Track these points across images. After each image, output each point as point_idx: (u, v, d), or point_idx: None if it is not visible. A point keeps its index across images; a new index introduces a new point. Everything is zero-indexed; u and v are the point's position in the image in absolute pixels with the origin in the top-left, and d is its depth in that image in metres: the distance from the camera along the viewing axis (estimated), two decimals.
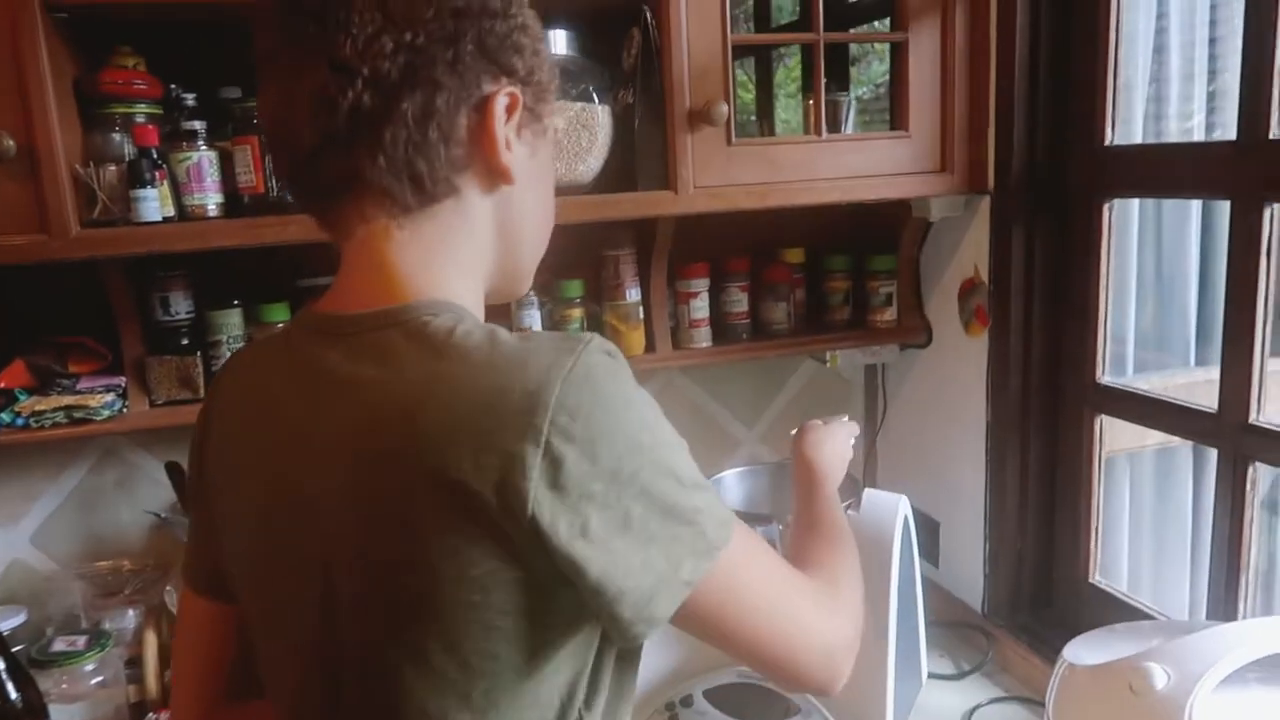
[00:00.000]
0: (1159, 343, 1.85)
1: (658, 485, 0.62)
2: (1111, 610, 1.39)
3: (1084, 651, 0.90)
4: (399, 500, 0.62)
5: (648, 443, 0.62)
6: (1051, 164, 1.38)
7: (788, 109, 1.89)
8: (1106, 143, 1.33)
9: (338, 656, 0.68)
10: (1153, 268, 1.82)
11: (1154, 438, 1.70)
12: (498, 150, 0.68)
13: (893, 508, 1.28)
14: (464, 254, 0.72)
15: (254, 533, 0.72)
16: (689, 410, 1.75)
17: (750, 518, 1.26)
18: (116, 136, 1.21)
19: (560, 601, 0.63)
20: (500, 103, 0.68)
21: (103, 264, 1.25)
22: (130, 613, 1.45)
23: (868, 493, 1.30)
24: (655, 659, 1.34)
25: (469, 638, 0.63)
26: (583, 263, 1.52)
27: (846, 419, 1.22)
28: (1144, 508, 1.86)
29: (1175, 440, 1.69)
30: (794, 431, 1.18)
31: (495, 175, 0.70)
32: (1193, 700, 0.78)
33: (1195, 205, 1.70)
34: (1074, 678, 0.87)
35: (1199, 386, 1.56)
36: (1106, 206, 1.35)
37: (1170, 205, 1.71)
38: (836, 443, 1.16)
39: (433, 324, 0.65)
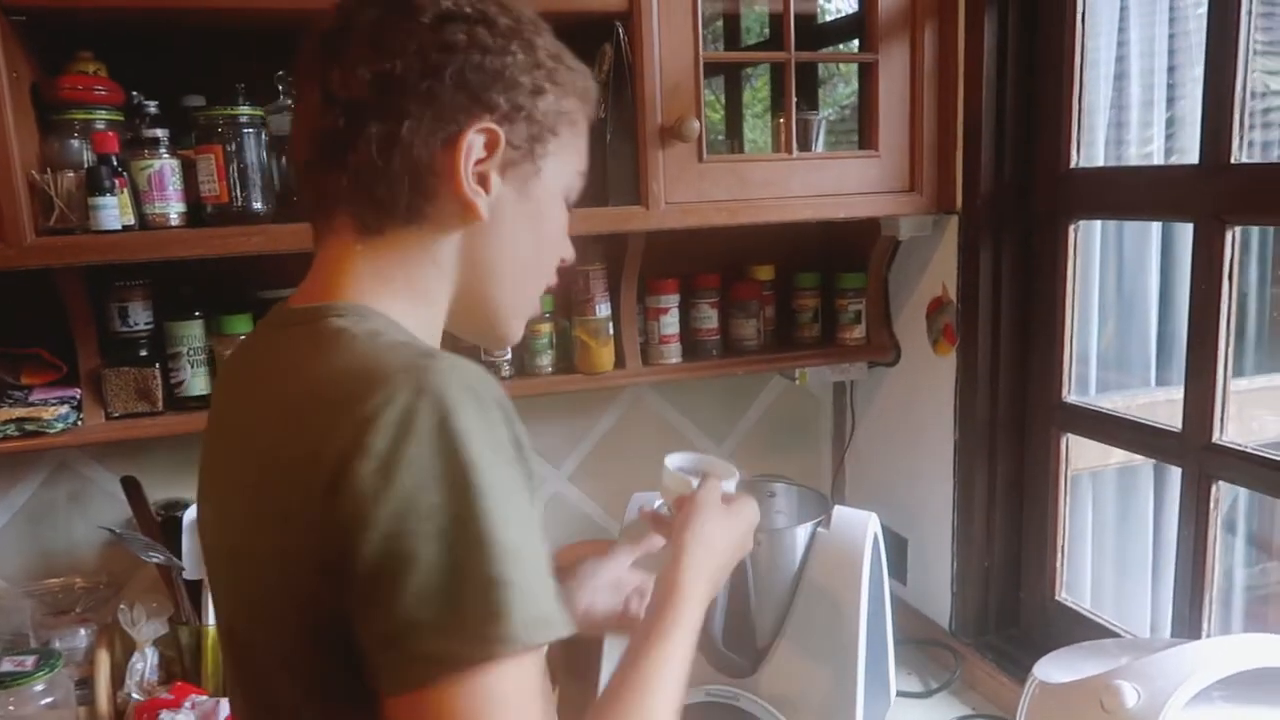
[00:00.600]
0: (1120, 363, 1.88)
1: (462, 537, 0.56)
2: (1077, 627, 1.40)
3: (1054, 669, 0.90)
4: (262, 489, 0.63)
5: (465, 485, 0.57)
6: (1018, 185, 1.40)
7: (755, 129, 1.90)
8: (1072, 165, 1.35)
9: (237, 651, 0.72)
10: (1114, 289, 1.85)
11: (1116, 456, 1.72)
12: (461, 185, 0.68)
13: (862, 525, 1.28)
14: (421, 281, 0.72)
15: (206, 523, 0.76)
16: (658, 426, 1.74)
17: None
18: (75, 143, 1.18)
19: None
20: (474, 139, 0.68)
21: (59, 273, 1.21)
22: (82, 631, 1.41)
23: (837, 510, 1.30)
24: None
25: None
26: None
27: (739, 487, 1.00)
28: (1106, 525, 1.88)
29: (1137, 459, 1.72)
30: (687, 483, 0.96)
31: (464, 210, 0.69)
32: (1163, 717, 0.79)
33: (1156, 227, 1.74)
34: (1044, 696, 0.87)
35: (1160, 406, 1.58)
36: (1072, 228, 1.36)
37: (1131, 227, 1.74)
38: (733, 534, 0.90)
39: (335, 323, 0.66)
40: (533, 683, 0.58)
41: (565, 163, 0.76)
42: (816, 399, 1.84)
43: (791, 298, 1.65)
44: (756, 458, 1.80)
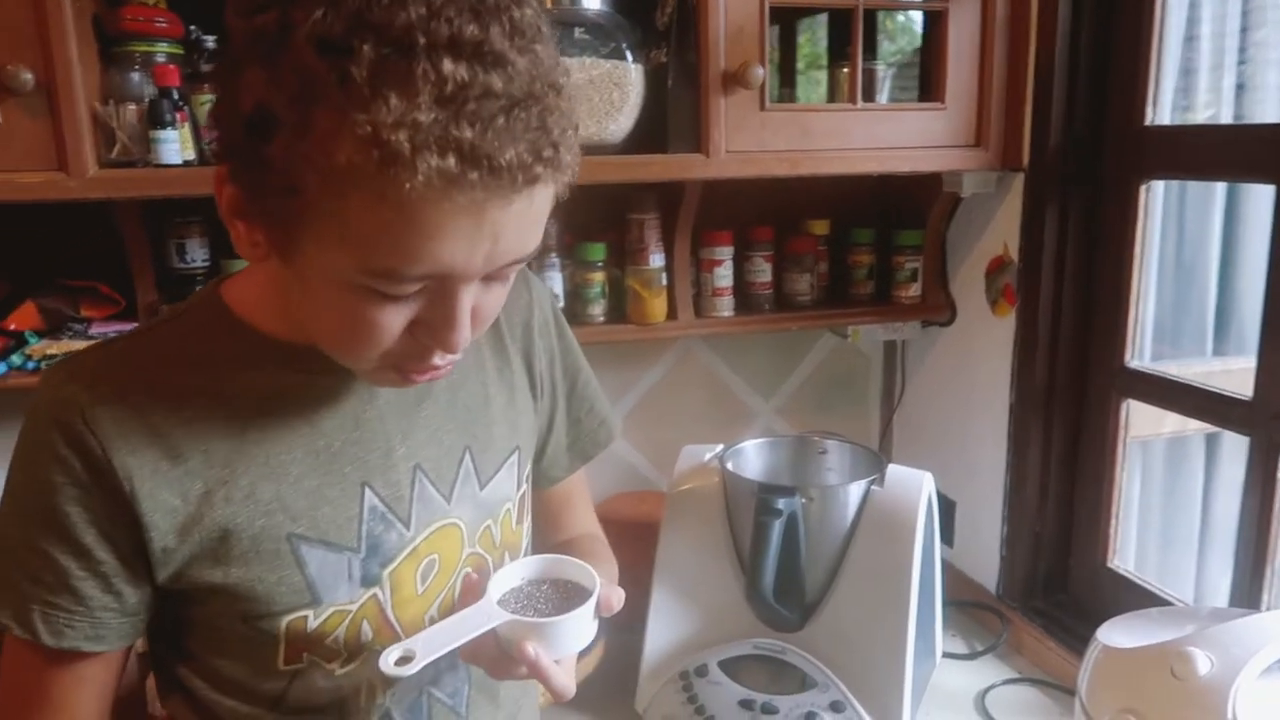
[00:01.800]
0: (1175, 332, 1.83)
1: None
2: (1129, 595, 1.38)
3: (1118, 635, 0.88)
4: None
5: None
6: (1088, 142, 1.35)
7: (804, 85, 1.86)
8: (1146, 122, 1.30)
9: None
10: (1172, 255, 1.80)
11: (1168, 426, 1.68)
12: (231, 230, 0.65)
13: (917, 484, 1.26)
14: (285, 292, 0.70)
15: None
16: (705, 380, 1.72)
17: (774, 490, 1.25)
18: (136, 76, 1.17)
19: None
20: (228, 182, 0.63)
21: (119, 207, 1.22)
22: None
23: (891, 468, 1.28)
24: (669, 628, 1.32)
25: None
26: (606, 225, 1.49)
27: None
28: (1153, 495, 1.85)
29: (1189, 430, 1.68)
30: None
31: None
32: (1236, 687, 0.77)
33: (1219, 191, 1.67)
34: (1109, 660, 0.86)
35: (1216, 376, 1.54)
36: (1144, 187, 1.32)
37: (1194, 191, 1.68)
38: None
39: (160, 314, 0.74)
40: (27, 672, 0.73)
41: (339, 242, 0.59)
42: (866, 357, 1.81)
43: (846, 253, 1.62)
44: (804, 415, 1.79)
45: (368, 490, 0.76)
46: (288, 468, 0.73)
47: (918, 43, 1.52)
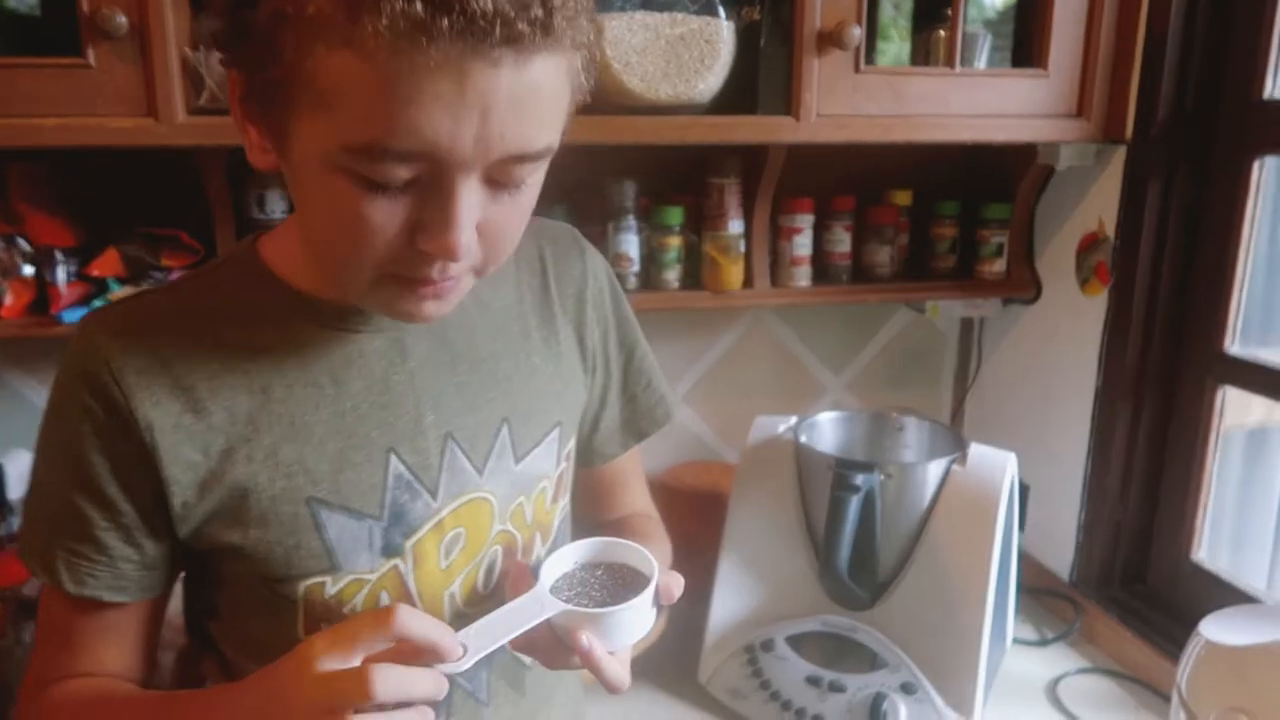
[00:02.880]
0: (1265, 320, 1.75)
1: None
2: (1211, 590, 1.33)
3: (1222, 630, 0.85)
4: None
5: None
6: (1199, 114, 1.29)
7: (886, 49, 1.79)
8: (1265, 95, 1.23)
9: None
10: (1266, 238, 1.72)
11: (1252, 419, 1.62)
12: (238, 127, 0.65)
13: (1001, 465, 1.23)
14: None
15: None
16: (776, 351, 1.69)
17: (852, 465, 1.22)
18: None
19: None
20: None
21: (203, 155, 1.21)
22: None
23: (974, 448, 1.25)
24: (735, 601, 1.31)
25: None
26: (684, 188, 1.46)
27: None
28: (1229, 488, 1.79)
29: (1273, 421, 1.62)
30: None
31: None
32: None
33: None
34: (1214, 657, 0.82)
35: None
36: (1257, 164, 1.25)
37: None
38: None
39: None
40: (55, 614, 0.75)
41: (318, 111, 0.57)
42: (942, 334, 1.76)
43: (929, 226, 1.57)
44: (875, 391, 1.75)
45: (393, 457, 0.74)
46: (312, 429, 0.72)
47: (1011, 2, 1.45)
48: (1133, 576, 1.46)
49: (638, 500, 0.99)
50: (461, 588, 0.78)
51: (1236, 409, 1.37)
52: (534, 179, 0.65)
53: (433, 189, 0.60)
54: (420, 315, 0.67)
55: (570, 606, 0.68)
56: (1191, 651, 0.85)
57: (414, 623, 0.61)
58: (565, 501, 0.86)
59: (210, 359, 0.71)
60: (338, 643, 0.61)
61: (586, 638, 0.67)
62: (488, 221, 0.63)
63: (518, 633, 0.66)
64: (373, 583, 0.74)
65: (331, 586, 0.73)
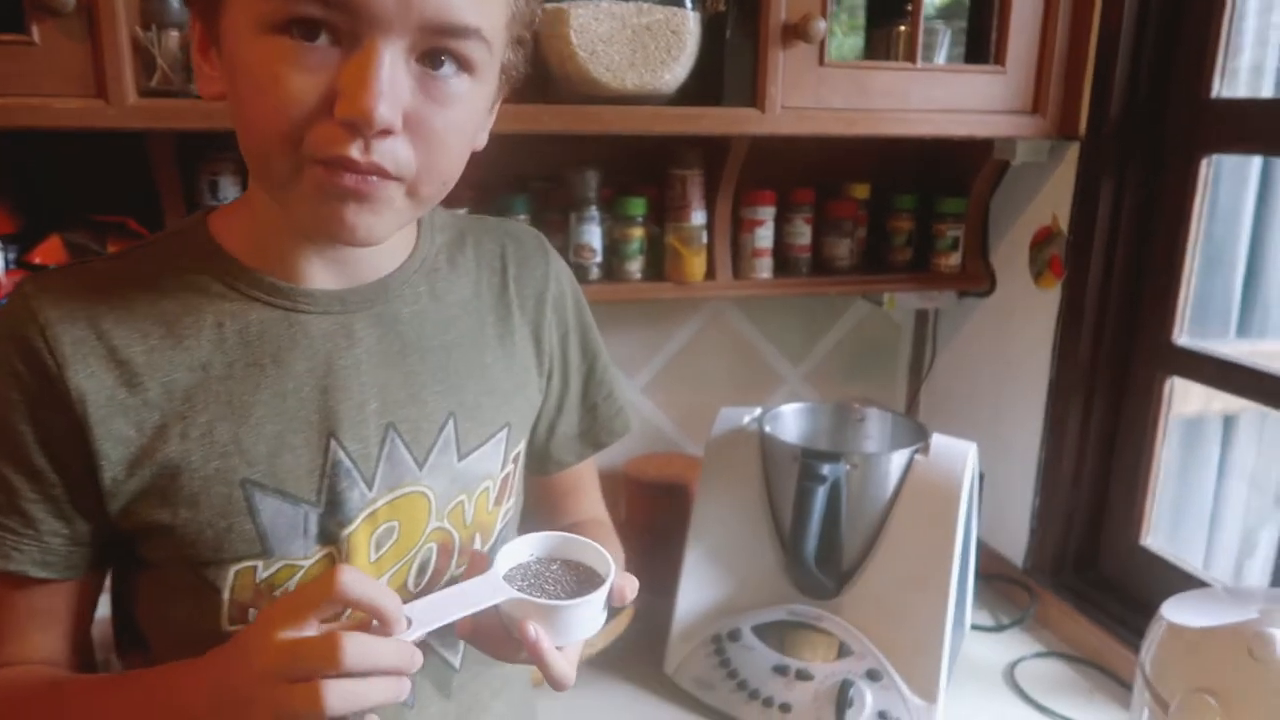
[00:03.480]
0: (1200, 312, 1.81)
1: None
2: (1161, 574, 1.37)
3: (1183, 614, 0.87)
4: None
5: None
6: (1149, 112, 1.32)
7: (843, 43, 1.80)
8: (1213, 94, 1.27)
9: None
10: (1203, 233, 1.78)
11: (1190, 408, 1.67)
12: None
13: (963, 455, 1.25)
14: None
15: None
16: (735, 344, 1.70)
17: (818, 455, 1.23)
18: (177, 1, 1.12)
19: None
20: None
21: (152, 139, 1.17)
22: None
23: (936, 438, 1.27)
24: (701, 591, 1.31)
25: None
26: (647, 180, 1.45)
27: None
28: (1168, 475, 1.85)
29: (1212, 410, 1.67)
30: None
31: None
32: None
33: (1254, 169, 1.63)
34: (1175, 639, 0.85)
35: (1243, 358, 1.52)
36: (1205, 161, 1.29)
37: (1228, 168, 1.64)
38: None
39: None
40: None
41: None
42: (898, 326, 1.79)
43: (886, 219, 1.59)
44: (832, 382, 1.77)
45: (334, 442, 0.71)
46: (250, 409, 0.69)
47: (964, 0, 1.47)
48: (1084, 563, 1.49)
49: (592, 507, 0.98)
50: (390, 583, 0.75)
51: (1201, 398, 1.41)
52: (469, 87, 0.64)
53: (352, 51, 0.59)
54: (346, 223, 0.63)
55: (523, 595, 0.67)
56: (1154, 635, 0.88)
57: (358, 586, 0.60)
58: (511, 505, 0.83)
59: (150, 332, 0.68)
60: (292, 611, 0.60)
61: (534, 628, 0.66)
62: (416, 116, 0.61)
63: (466, 613, 0.65)
64: (305, 569, 0.71)
65: (263, 571, 0.70)
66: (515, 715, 0.90)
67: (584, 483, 0.96)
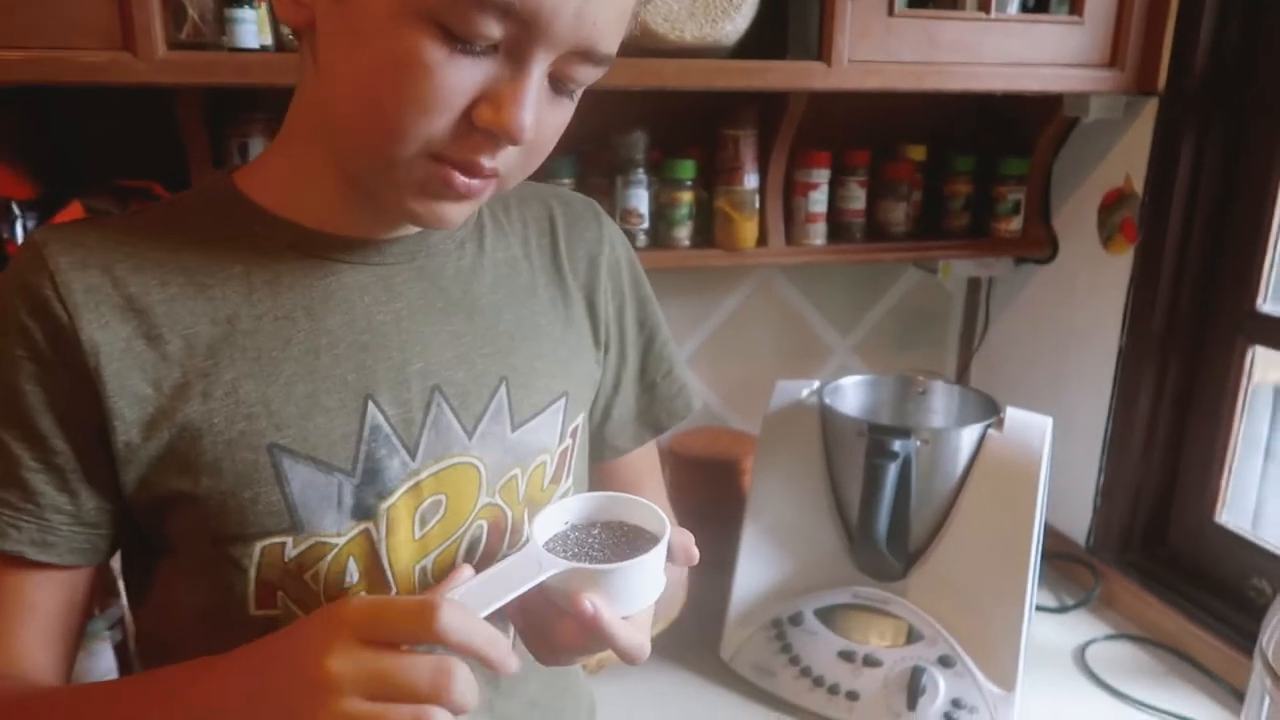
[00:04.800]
0: None
1: None
2: (1239, 551, 1.31)
3: None
4: None
5: None
6: (1237, 65, 1.24)
7: None
8: None
9: None
10: None
11: (1270, 378, 1.60)
12: None
13: (1040, 430, 1.18)
14: (299, 111, 0.65)
15: None
16: (783, 313, 1.63)
17: (888, 431, 1.16)
18: None
19: None
20: None
21: (181, 96, 1.10)
22: None
23: (1011, 412, 1.20)
24: (759, 573, 1.25)
25: None
26: (696, 141, 1.38)
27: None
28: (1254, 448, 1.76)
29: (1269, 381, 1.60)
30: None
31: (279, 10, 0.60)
32: None
33: None
34: None
35: None
36: None
37: None
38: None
39: None
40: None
41: None
42: (950, 294, 1.72)
43: (943, 182, 1.52)
44: (881, 353, 1.70)
45: (372, 404, 0.64)
46: (280, 366, 0.63)
47: None
48: (1153, 540, 1.43)
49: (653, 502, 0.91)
50: (435, 563, 0.68)
51: (1262, 367, 1.35)
52: (576, 96, 0.62)
53: (509, 62, 0.56)
54: (442, 216, 0.61)
55: (573, 563, 0.58)
56: (1275, 620, 0.81)
57: (462, 628, 0.52)
58: (569, 487, 0.76)
59: (170, 282, 0.62)
60: (377, 626, 0.52)
61: (590, 601, 0.57)
62: (540, 123, 0.59)
63: (512, 596, 0.56)
64: (339, 547, 0.64)
65: (292, 549, 0.63)
66: (570, 709, 0.84)
67: (643, 476, 0.88)
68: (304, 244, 0.65)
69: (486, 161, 0.58)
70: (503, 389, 0.69)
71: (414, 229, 0.69)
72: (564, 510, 0.64)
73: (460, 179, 0.58)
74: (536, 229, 0.76)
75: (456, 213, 0.61)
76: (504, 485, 0.70)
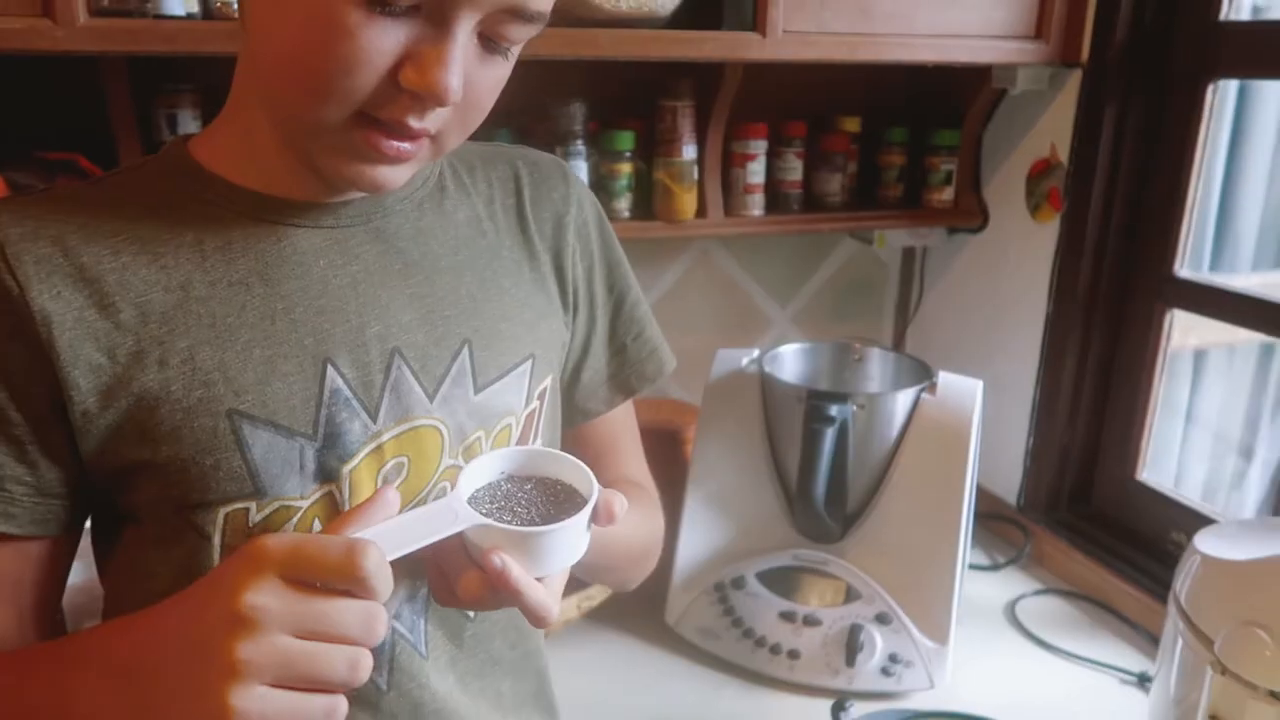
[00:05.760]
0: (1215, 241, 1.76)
1: None
2: (1159, 508, 1.37)
3: (1218, 546, 0.85)
4: None
5: None
6: (1156, 37, 1.28)
7: None
8: (1222, 16, 1.23)
9: None
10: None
11: (1191, 341, 1.66)
12: None
13: (971, 393, 1.22)
14: (242, 76, 0.65)
15: None
16: (722, 285, 1.65)
17: (825, 396, 1.19)
18: None
19: None
20: None
21: (105, 66, 1.07)
22: None
23: (943, 376, 1.23)
24: (702, 539, 1.27)
25: None
26: (635, 113, 1.38)
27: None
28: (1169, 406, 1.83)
29: (1187, 346, 1.66)
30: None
31: None
32: None
33: (1275, 95, 1.58)
34: (1217, 572, 0.83)
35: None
36: (1211, 87, 1.26)
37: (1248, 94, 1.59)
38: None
39: None
40: None
41: None
42: (885, 264, 1.75)
43: (878, 153, 1.54)
44: (819, 322, 1.73)
45: (330, 368, 0.65)
46: (236, 332, 0.63)
47: None
48: (1079, 499, 1.49)
49: (630, 467, 0.90)
50: None
51: (1177, 332, 1.40)
52: (511, 57, 0.62)
53: (432, 23, 0.56)
54: (373, 179, 0.61)
55: (488, 520, 0.58)
56: (1188, 568, 0.86)
57: (384, 574, 0.52)
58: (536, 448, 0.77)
59: (123, 251, 0.62)
60: (297, 563, 0.51)
61: (500, 558, 0.57)
62: (472, 84, 0.59)
63: (424, 544, 0.56)
64: (303, 511, 0.65)
65: (256, 514, 0.64)
66: (531, 670, 0.84)
67: (619, 439, 0.88)
68: (256, 209, 0.65)
69: (415, 122, 0.58)
70: (465, 351, 0.70)
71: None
72: (501, 459, 0.64)
73: (388, 143, 0.59)
74: (501, 189, 0.76)
75: (392, 175, 0.62)
76: (468, 447, 0.70)
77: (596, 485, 0.62)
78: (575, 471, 0.64)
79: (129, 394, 0.61)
